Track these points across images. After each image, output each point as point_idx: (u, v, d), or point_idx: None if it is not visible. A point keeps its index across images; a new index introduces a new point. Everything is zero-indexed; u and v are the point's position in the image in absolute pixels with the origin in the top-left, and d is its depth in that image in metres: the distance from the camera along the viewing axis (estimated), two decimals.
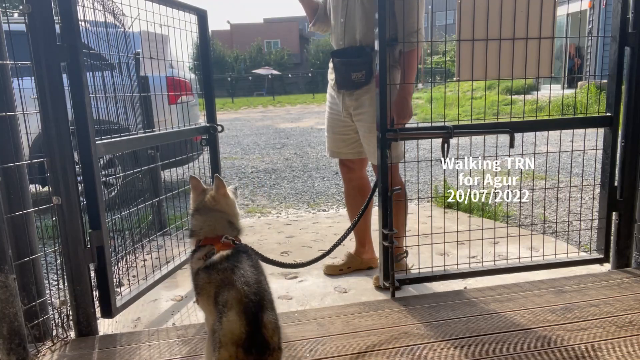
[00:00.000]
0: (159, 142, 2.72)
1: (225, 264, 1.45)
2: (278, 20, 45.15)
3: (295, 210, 4.57)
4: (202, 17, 2.97)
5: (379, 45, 2.13)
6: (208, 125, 3.09)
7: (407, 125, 2.48)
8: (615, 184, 2.46)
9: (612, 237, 2.51)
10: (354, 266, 2.80)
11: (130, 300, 2.24)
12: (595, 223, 2.60)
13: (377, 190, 2.37)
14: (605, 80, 2.71)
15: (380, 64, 2.15)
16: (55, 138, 1.86)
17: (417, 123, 2.59)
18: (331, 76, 2.63)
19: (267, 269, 2.94)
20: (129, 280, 2.41)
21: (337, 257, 2.85)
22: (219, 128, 3.08)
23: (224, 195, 1.62)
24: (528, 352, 1.76)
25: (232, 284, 1.38)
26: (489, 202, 4.02)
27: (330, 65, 2.62)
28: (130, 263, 2.66)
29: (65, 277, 2.00)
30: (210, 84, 3.06)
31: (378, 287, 2.52)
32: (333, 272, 2.78)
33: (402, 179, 2.57)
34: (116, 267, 2.38)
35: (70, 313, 2.03)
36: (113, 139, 2.17)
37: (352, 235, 2.85)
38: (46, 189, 2.04)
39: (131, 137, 2.35)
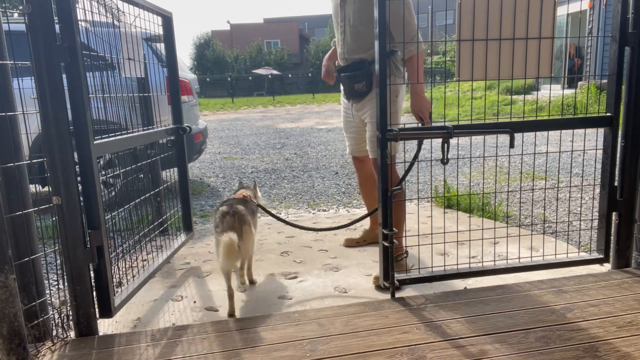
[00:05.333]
0: (129, 146, 2.62)
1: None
2: (278, 20, 45.11)
3: (295, 210, 4.57)
4: (167, 19, 2.97)
5: (378, 48, 2.13)
6: (176, 126, 3.08)
7: (407, 126, 2.49)
8: (615, 184, 2.46)
9: (612, 237, 2.51)
10: (369, 239, 3.23)
11: (127, 298, 2.25)
12: (595, 223, 2.60)
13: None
14: (605, 80, 2.71)
15: (380, 65, 2.15)
16: (55, 138, 1.86)
17: (418, 123, 2.61)
18: (342, 87, 2.98)
19: (267, 269, 2.95)
20: (127, 280, 2.41)
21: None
22: (187, 129, 3.09)
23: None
24: (528, 352, 1.76)
25: None
26: (489, 202, 4.02)
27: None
28: (130, 263, 2.65)
29: (65, 277, 2.00)
30: (177, 86, 3.09)
31: (378, 287, 2.52)
32: (351, 244, 3.25)
33: (399, 174, 2.60)
34: (116, 266, 2.38)
35: (70, 313, 2.03)
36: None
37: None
38: (46, 189, 2.04)
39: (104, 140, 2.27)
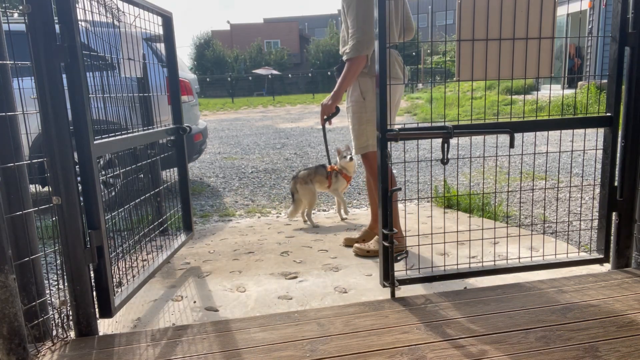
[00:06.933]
0: (129, 146, 2.61)
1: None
2: (278, 20, 45.10)
3: None
4: (167, 19, 2.97)
5: (379, 45, 2.13)
6: (176, 126, 3.07)
7: (407, 126, 2.49)
8: (615, 184, 2.46)
9: (612, 237, 2.51)
10: (368, 239, 3.17)
11: (127, 298, 2.25)
12: (595, 223, 2.60)
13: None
14: (605, 80, 2.71)
15: (380, 64, 2.15)
16: (55, 138, 1.86)
17: (417, 123, 2.61)
18: None
19: (267, 269, 2.96)
20: (127, 280, 2.41)
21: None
22: (187, 129, 3.09)
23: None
24: (528, 352, 1.76)
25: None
26: (489, 202, 4.02)
27: None
28: (130, 263, 2.65)
29: (65, 277, 2.00)
30: (177, 86, 3.09)
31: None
32: (350, 243, 3.20)
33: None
34: (116, 266, 2.38)
35: (70, 313, 2.03)
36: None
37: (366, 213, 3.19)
38: (46, 189, 2.04)
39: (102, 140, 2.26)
